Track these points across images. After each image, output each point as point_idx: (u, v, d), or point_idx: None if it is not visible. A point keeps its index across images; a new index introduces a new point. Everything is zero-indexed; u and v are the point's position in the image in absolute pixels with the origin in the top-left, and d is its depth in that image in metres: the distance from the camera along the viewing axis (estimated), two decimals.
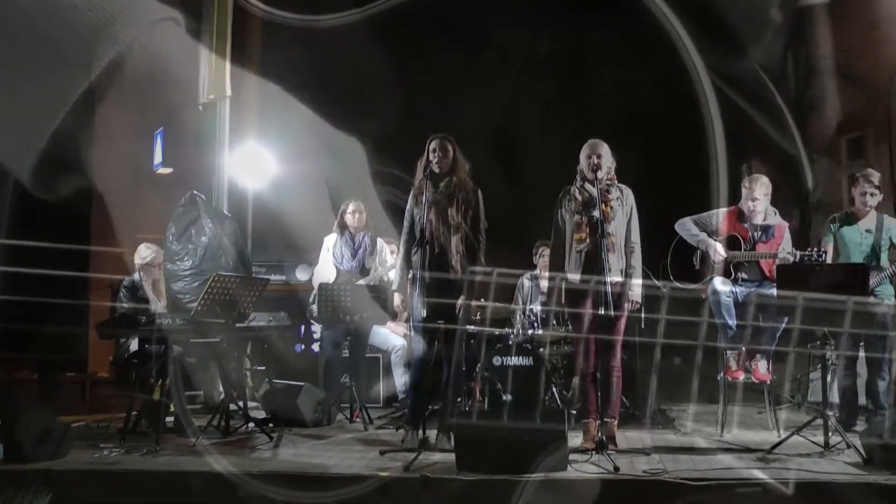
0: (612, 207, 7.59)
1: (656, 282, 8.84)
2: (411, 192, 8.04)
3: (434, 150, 7.88)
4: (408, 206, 8.05)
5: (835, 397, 8.66)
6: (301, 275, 11.53)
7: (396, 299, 8.17)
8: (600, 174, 7.55)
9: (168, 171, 11.58)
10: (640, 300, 7.68)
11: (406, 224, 8.03)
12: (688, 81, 11.14)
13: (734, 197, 9.01)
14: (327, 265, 9.91)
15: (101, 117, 12.20)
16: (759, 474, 6.44)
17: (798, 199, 13.50)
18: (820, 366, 8.19)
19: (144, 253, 9.16)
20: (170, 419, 8.58)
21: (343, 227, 9.93)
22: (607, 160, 7.66)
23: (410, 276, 7.93)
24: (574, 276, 7.59)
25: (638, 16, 11.67)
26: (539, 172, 11.89)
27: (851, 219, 8.61)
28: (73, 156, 11.12)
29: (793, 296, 7.22)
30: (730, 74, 11.85)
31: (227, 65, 11.15)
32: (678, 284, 8.66)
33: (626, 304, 7.58)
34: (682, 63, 11.06)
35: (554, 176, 8.46)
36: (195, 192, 10.44)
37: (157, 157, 11.69)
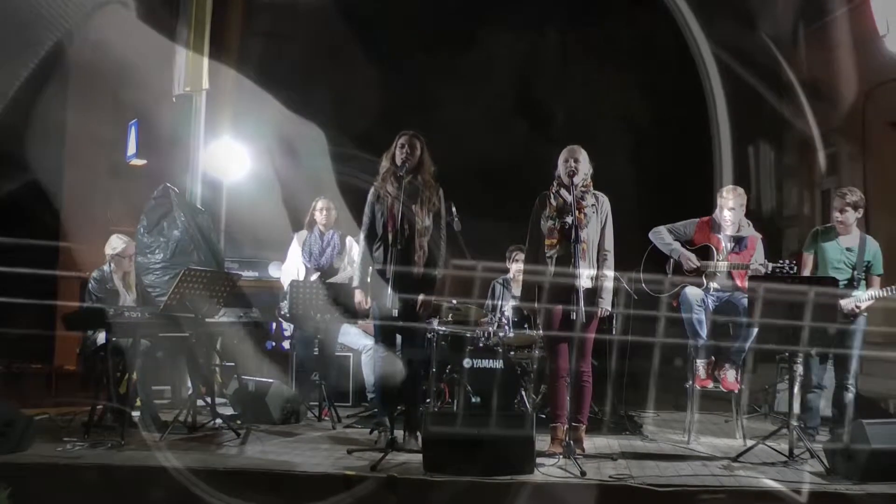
0: (585, 214, 7.58)
1: (628, 288, 8.89)
2: (373, 187, 8.02)
3: (402, 147, 7.86)
4: (369, 201, 8.02)
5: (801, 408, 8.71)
6: (273, 271, 11.47)
7: (358, 296, 8.12)
8: (576, 179, 7.56)
9: (142, 162, 11.47)
10: (609, 308, 7.70)
11: (367, 220, 8.00)
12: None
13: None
14: (295, 262, 9.90)
15: (75, 107, 12.09)
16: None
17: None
18: (787, 376, 8.23)
19: (116, 244, 9.07)
20: (136, 413, 8.49)
21: (313, 225, 9.92)
22: (584, 166, 7.66)
23: (372, 272, 7.92)
24: (546, 282, 7.58)
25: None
26: (519, 174, 11.86)
27: (833, 234, 8.62)
28: (39, 144, 11.01)
29: (764, 307, 7.28)
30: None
31: (206, 56, 11.10)
32: (650, 292, 8.69)
33: (597, 311, 7.58)
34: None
35: (534, 178, 8.45)
36: (168, 184, 10.36)
37: (131, 148, 11.56)
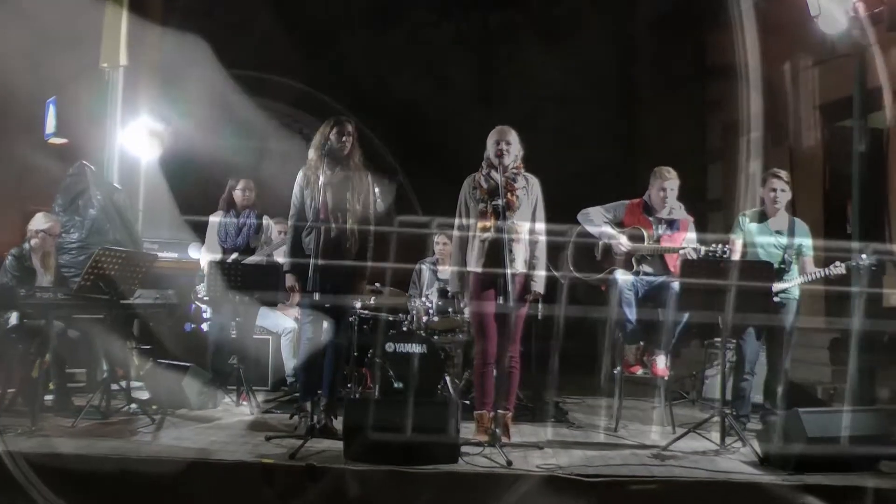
0: (517, 196, 7.47)
1: (556, 273, 8.73)
2: (301, 173, 7.88)
3: (337, 132, 7.76)
4: (297, 187, 7.90)
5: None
6: (193, 252, 11.22)
7: (289, 280, 7.93)
8: (506, 160, 7.42)
9: (62, 141, 11.15)
10: (542, 291, 7.56)
11: (296, 204, 7.88)
12: None
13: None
14: (213, 243, 9.68)
15: None
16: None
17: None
18: (717, 362, 8.16)
19: (42, 223, 8.76)
20: (48, 397, 8.35)
21: (230, 205, 9.72)
22: (514, 147, 7.53)
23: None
24: (476, 265, 7.44)
25: None
26: (445, 156, 11.75)
27: (762, 217, 8.52)
28: None
29: (695, 291, 7.22)
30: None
31: (124, 32, 10.83)
32: (579, 276, 8.55)
33: (527, 295, 7.45)
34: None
35: (460, 161, 8.31)
36: (84, 162, 10.13)
37: (50, 126, 11.26)
